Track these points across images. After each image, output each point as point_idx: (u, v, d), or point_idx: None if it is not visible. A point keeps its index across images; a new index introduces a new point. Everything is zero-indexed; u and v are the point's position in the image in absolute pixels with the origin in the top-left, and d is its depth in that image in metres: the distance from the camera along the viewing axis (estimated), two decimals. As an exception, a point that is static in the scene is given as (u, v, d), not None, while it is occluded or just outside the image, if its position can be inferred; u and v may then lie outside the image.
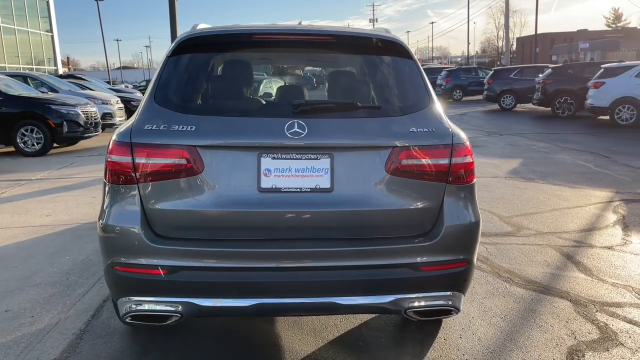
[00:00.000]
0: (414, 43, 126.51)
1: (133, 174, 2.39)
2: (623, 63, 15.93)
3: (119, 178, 2.42)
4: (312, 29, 2.74)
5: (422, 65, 2.42)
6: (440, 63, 73.79)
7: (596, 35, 66.74)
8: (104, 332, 3.17)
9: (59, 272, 4.11)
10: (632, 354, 2.89)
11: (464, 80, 27.40)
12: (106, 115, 14.00)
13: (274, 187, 2.37)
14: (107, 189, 2.48)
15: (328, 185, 2.38)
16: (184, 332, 3.15)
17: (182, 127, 2.38)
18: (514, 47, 78.18)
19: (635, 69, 14.18)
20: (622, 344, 2.99)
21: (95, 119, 11.81)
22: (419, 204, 2.43)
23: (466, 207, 2.51)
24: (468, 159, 2.49)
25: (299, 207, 2.38)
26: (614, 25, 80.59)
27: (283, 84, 2.70)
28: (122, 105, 15.13)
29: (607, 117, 14.57)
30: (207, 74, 2.71)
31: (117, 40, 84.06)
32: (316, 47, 2.69)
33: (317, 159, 2.39)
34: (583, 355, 2.88)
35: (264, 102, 2.60)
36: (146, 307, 2.42)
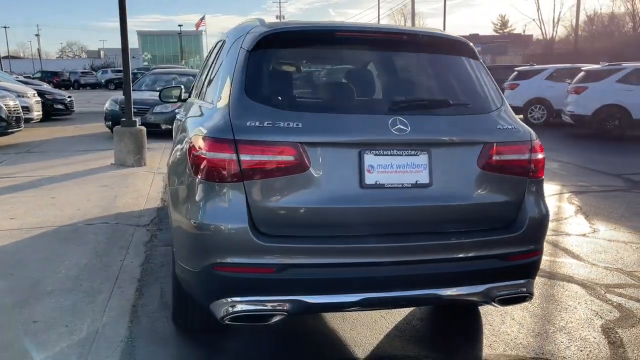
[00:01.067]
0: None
1: (238, 172, 2.33)
2: (535, 66, 17.31)
3: (220, 176, 2.34)
4: (393, 28, 2.83)
5: None
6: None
7: (486, 40, 71.48)
8: (156, 338, 3.03)
9: (68, 278, 3.83)
10: (634, 325, 3.25)
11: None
12: (23, 109, 12.96)
13: (377, 183, 2.41)
14: (199, 186, 2.40)
15: (427, 181, 2.46)
16: (243, 333, 3.09)
17: (288, 124, 2.36)
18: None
19: (545, 72, 15.51)
20: (643, 320, 3.35)
21: (17, 113, 10.91)
22: (505, 197, 2.58)
23: (541, 199, 2.70)
24: (542, 155, 2.68)
25: (401, 203, 2.44)
26: (501, 31, 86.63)
27: (371, 80, 2.73)
28: (39, 98, 14.04)
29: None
30: (297, 70, 2.69)
31: (5, 27, 76.55)
32: (395, 45, 2.76)
33: (416, 154, 2.46)
34: (616, 332, 3.19)
35: (361, 99, 2.62)
36: (251, 307, 2.37)
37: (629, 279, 4.03)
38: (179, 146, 2.91)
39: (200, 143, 2.42)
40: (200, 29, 78.56)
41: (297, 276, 2.34)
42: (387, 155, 2.43)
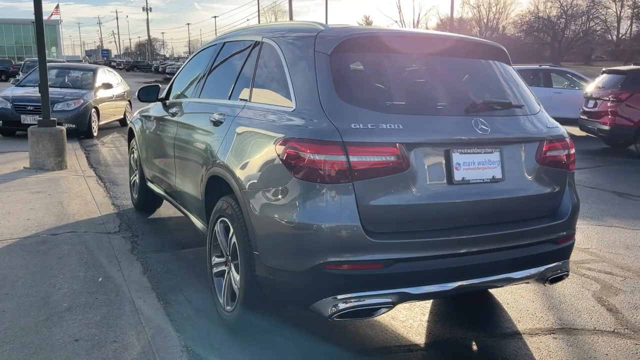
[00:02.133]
0: (196, 36, 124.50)
1: (348, 173, 2.41)
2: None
3: (331, 177, 2.41)
4: (456, 36, 3.06)
5: None
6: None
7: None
8: (214, 344, 2.99)
9: (76, 292, 3.55)
10: (633, 294, 3.84)
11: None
12: None
13: (463, 179, 2.63)
14: (306, 189, 2.44)
15: (500, 176, 2.73)
16: (312, 328, 3.14)
17: (390, 126, 2.49)
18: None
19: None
20: (621, 289, 3.94)
21: None
22: (555, 188, 2.93)
23: (575, 190, 3.10)
24: (574, 150, 3.08)
25: (483, 196, 2.68)
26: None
27: (445, 83, 2.91)
28: None
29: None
30: (377, 73, 2.79)
31: None
32: (458, 51, 2.98)
33: (491, 152, 2.72)
34: (606, 300, 3.73)
35: (442, 101, 2.79)
36: (360, 302, 2.46)
37: (591, 256, 4.66)
38: (248, 151, 2.85)
39: (305, 146, 2.45)
40: (54, 17, 72.38)
41: (402, 270, 2.48)
42: (470, 153, 2.66)
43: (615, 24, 61.24)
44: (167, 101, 4.72)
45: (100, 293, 3.56)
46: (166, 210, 5.74)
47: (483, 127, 2.67)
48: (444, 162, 2.60)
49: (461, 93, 2.83)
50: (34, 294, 3.51)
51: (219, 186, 3.23)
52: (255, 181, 2.71)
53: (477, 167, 2.67)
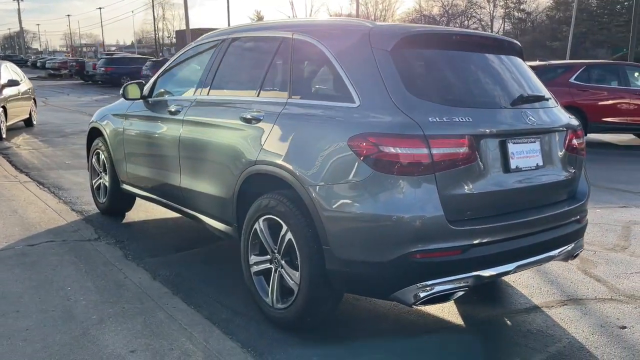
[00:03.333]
0: (74, 29, 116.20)
1: (430, 164, 2.52)
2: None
3: (414, 170, 2.51)
4: (485, 34, 3.25)
5: None
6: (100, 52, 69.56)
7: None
8: (272, 343, 2.97)
9: (99, 303, 3.33)
10: (608, 265, 4.33)
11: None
12: None
13: (517, 167, 2.85)
14: (390, 182, 2.52)
15: (542, 163, 2.99)
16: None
17: (462, 119, 2.63)
18: (175, 40, 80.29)
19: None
20: (597, 262, 4.42)
21: None
22: (577, 172, 3.25)
23: (586, 174, 3.45)
24: (584, 139, 3.43)
25: (531, 182, 2.92)
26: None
27: (491, 78, 3.09)
28: None
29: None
30: (434, 69, 2.91)
31: None
32: (487, 47, 3.18)
33: (534, 141, 2.97)
34: (590, 272, 4.18)
35: (495, 94, 2.96)
36: (442, 287, 2.59)
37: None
38: (310, 148, 2.84)
39: (386, 141, 2.52)
40: None
41: (476, 254, 2.64)
42: (521, 143, 2.88)
43: (490, 23, 66.57)
44: (151, 99, 4.50)
45: (123, 302, 3.37)
46: (136, 213, 5.47)
47: (531, 118, 2.91)
48: (501, 152, 2.80)
49: (507, 87, 3.04)
50: (51, 309, 3.24)
51: (259, 184, 3.18)
52: (325, 177, 2.72)
53: (525, 155, 2.90)
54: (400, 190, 2.53)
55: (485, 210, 2.75)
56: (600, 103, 10.91)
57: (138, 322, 3.10)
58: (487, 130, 2.73)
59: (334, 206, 2.69)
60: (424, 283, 2.57)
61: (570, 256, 3.25)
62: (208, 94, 3.84)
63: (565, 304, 3.60)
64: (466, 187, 2.64)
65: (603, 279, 4.04)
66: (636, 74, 11.48)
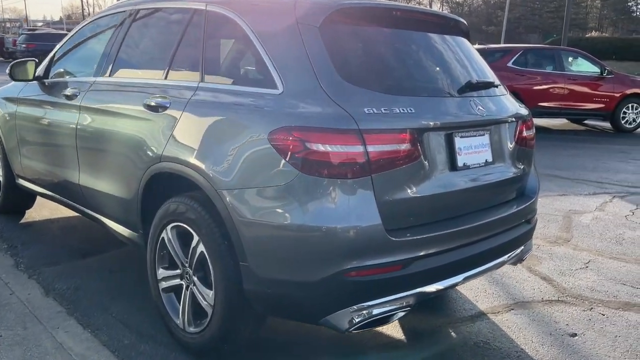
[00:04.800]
0: None
1: (366, 165, 2.11)
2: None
3: (347, 171, 2.09)
4: (429, 10, 2.84)
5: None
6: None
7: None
8: None
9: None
10: (552, 260, 4.11)
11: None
12: None
13: (464, 164, 2.48)
14: (318, 186, 2.09)
15: (491, 159, 2.64)
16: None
17: (403, 110, 2.23)
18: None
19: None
20: (541, 257, 4.19)
21: None
22: (525, 167, 2.93)
23: (536, 167, 3.15)
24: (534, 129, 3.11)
25: (480, 181, 2.57)
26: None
27: (435, 62, 2.66)
28: None
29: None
30: (378, 50, 2.48)
31: None
32: (431, 26, 2.77)
33: (483, 134, 2.61)
34: (535, 269, 3.94)
35: (441, 81, 2.55)
36: (380, 310, 2.20)
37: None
38: (223, 143, 2.36)
39: (313, 136, 2.07)
40: None
41: (419, 268, 2.26)
42: (469, 137, 2.51)
43: (428, 7, 67.27)
44: (47, 80, 3.85)
45: (1, 329, 2.79)
46: (39, 212, 4.80)
47: (480, 107, 2.55)
48: (447, 147, 2.42)
49: (453, 72, 2.65)
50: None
51: (167, 185, 2.67)
52: (242, 179, 2.26)
53: (474, 151, 2.54)
54: (331, 196, 2.09)
55: (430, 216, 2.37)
56: (536, 87, 10.92)
57: (15, 356, 2.54)
58: (432, 123, 2.34)
59: (252, 215, 2.23)
60: (359, 305, 2.16)
61: (519, 260, 2.95)
62: (110, 75, 3.26)
63: (512, 309, 3.32)
64: (408, 191, 2.25)
65: (548, 277, 3.80)
66: (570, 59, 11.59)
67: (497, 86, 2.83)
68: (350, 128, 2.09)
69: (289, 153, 2.12)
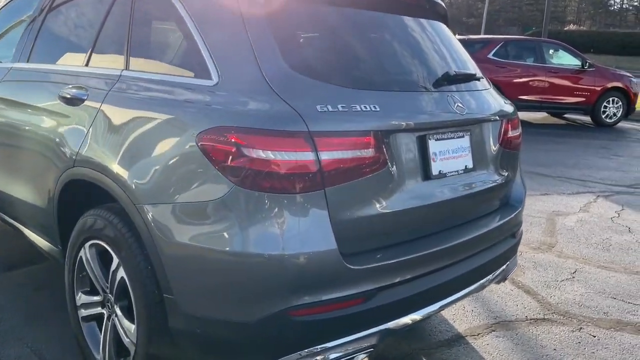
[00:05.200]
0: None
1: (318, 176, 1.68)
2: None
3: (296, 184, 1.66)
4: None
5: None
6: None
7: None
8: None
9: None
10: (536, 270, 3.76)
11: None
12: None
13: (440, 172, 2.08)
14: (254, 201, 1.67)
15: (472, 165, 2.24)
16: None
17: (365, 107, 1.81)
18: None
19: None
20: (524, 266, 3.84)
21: None
22: (510, 173, 2.54)
23: (521, 172, 2.76)
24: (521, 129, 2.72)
25: (458, 192, 2.17)
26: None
27: (403, 51, 2.23)
28: None
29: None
30: (337, 34, 2.04)
31: None
32: (403, 7, 2.32)
33: (462, 136, 2.21)
34: (519, 281, 3.58)
35: (412, 72, 2.13)
36: (337, 354, 1.79)
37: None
38: (145, 145, 1.92)
39: (252, 139, 1.64)
40: None
41: (385, 300, 1.85)
42: (445, 139, 2.11)
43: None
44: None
45: None
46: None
47: (459, 105, 2.14)
48: (419, 152, 2.01)
49: (428, 62, 2.23)
50: None
51: (86, 194, 2.22)
52: (167, 192, 1.82)
53: (451, 156, 2.13)
54: (274, 216, 1.67)
55: (398, 235, 1.96)
56: (517, 80, 10.61)
57: None
58: (401, 123, 1.92)
59: (177, 236, 1.79)
60: (311, 350, 1.75)
61: (503, 279, 2.56)
62: (27, 61, 2.78)
63: (494, 330, 2.94)
64: (371, 206, 1.83)
65: (533, 291, 3.44)
66: (551, 51, 11.29)
67: (479, 79, 2.43)
68: (298, 130, 1.66)
69: (222, 161, 1.69)
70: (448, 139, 2.11)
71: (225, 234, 1.69)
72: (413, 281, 1.94)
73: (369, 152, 1.79)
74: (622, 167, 7.36)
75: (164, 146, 1.85)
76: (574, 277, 3.69)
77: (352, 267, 1.74)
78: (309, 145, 1.66)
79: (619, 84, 10.95)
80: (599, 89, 10.85)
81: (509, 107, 2.54)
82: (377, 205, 1.84)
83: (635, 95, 11.12)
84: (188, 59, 1.99)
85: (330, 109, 1.73)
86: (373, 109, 1.81)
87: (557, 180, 6.46)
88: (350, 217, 1.77)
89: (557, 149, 8.53)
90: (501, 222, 2.37)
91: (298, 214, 1.67)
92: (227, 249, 1.69)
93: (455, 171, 2.14)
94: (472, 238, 2.18)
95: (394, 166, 1.89)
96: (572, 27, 51.11)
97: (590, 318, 3.12)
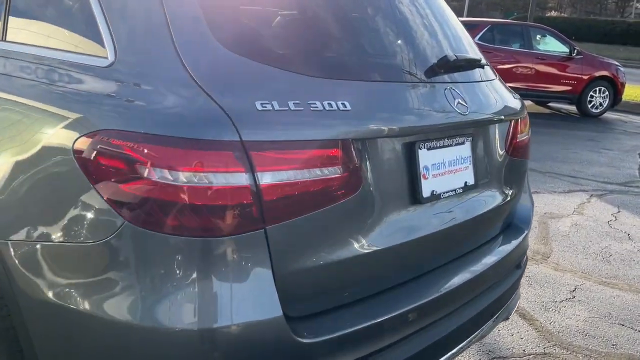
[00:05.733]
0: None
1: (254, 209, 1.12)
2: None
3: (219, 223, 1.09)
4: None
5: None
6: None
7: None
8: None
9: None
10: (531, 286, 3.28)
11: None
12: None
13: (433, 193, 1.53)
14: (156, 247, 1.10)
15: (472, 180, 1.70)
16: None
17: (330, 105, 1.24)
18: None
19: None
20: (519, 282, 3.35)
21: None
22: (519, 186, 2.02)
23: (529, 184, 2.23)
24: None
25: (457, 219, 1.63)
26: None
27: (385, 29, 1.65)
28: None
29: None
30: (290, 3, 1.45)
31: None
32: None
33: (462, 143, 1.66)
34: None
35: (400, 56, 1.56)
36: None
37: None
38: (23, 154, 1.32)
39: (154, 152, 1.07)
40: None
41: None
42: (440, 147, 1.56)
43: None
44: None
45: None
46: None
47: (461, 101, 1.58)
48: (406, 167, 1.45)
49: (417, 43, 1.66)
50: None
51: None
52: (32, 226, 1.24)
53: (447, 170, 1.59)
54: (186, 270, 1.10)
55: (373, 284, 1.41)
56: (502, 66, 10.11)
57: None
58: (383, 128, 1.36)
59: (43, 292, 1.21)
60: None
61: (506, 318, 2.05)
62: None
63: (487, 370, 2.45)
64: (336, 248, 1.28)
65: (529, 315, 2.95)
66: (539, 37, 10.81)
67: (483, 66, 1.87)
68: (225, 140, 1.09)
69: (107, 182, 1.11)
70: (444, 147, 1.57)
71: (113, 296, 1.12)
72: (393, 348, 1.40)
73: (334, 171, 1.23)
74: (613, 163, 6.94)
75: (31, 155, 1.26)
76: (574, 297, 3.22)
77: (304, 340, 1.19)
78: (241, 163, 1.09)
79: (607, 73, 10.54)
80: (586, 77, 10.42)
81: (517, 103, 2.01)
82: (345, 247, 1.29)
83: (623, 85, 10.72)
84: (78, 29, 1.39)
85: (277, 107, 1.16)
86: (341, 108, 1.25)
87: (547, 176, 6.00)
88: (303, 266, 1.22)
89: (544, 141, 8.08)
90: (506, 252, 1.85)
91: (224, 267, 1.11)
92: (117, 317, 1.12)
93: (452, 190, 1.60)
94: (469, 280, 1.64)
95: (370, 189, 1.34)
96: (553, 13, 50.84)
97: (598, 352, 2.64)
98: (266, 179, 1.11)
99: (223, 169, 1.08)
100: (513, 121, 1.90)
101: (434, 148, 1.52)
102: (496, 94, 1.84)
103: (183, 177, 1.07)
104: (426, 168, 1.50)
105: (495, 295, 1.82)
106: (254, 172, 1.10)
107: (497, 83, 1.95)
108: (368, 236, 1.33)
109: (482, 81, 1.80)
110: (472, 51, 1.88)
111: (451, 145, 1.60)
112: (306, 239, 1.20)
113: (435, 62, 1.58)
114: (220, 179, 1.08)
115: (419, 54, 1.64)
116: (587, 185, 5.75)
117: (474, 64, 1.76)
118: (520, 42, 10.44)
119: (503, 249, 1.85)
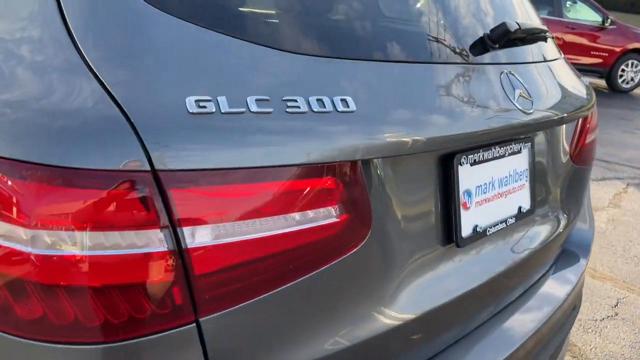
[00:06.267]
0: None
1: (178, 291, 0.63)
2: None
3: (121, 317, 0.61)
4: None
5: None
6: None
7: None
8: None
9: None
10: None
11: None
12: None
13: (476, 230, 1.03)
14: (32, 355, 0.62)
15: (529, 204, 1.20)
16: None
17: (320, 102, 0.74)
18: None
19: None
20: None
21: None
22: (580, 203, 1.51)
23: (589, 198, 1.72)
24: None
25: (508, 262, 1.13)
26: None
27: None
28: None
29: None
30: None
31: None
32: None
33: (518, 151, 1.15)
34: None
35: (422, 23, 1.03)
36: None
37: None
38: None
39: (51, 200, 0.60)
40: None
41: None
42: (488, 160, 1.05)
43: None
44: None
45: None
46: None
47: (522, 93, 1.07)
48: (439, 193, 0.95)
49: (452, 6, 1.11)
50: None
51: None
52: None
53: (497, 192, 1.09)
54: None
55: None
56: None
57: None
58: (406, 139, 0.85)
59: None
60: None
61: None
62: None
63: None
64: (321, 343, 0.79)
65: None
66: (569, 4, 10.03)
67: (546, 38, 1.33)
68: (118, 168, 0.59)
69: None
70: (493, 159, 1.06)
71: None
72: None
73: (326, 215, 0.73)
74: (648, 145, 6.37)
75: None
76: (616, 314, 2.74)
77: None
78: (152, 212, 0.60)
79: (640, 45, 9.80)
80: (618, 49, 9.68)
81: (587, 90, 1.48)
82: (336, 335, 0.81)
83: (657, 59, 9.99)
84: None
85: (226, 107, 0.66)
86: (341, 108, 0.75)
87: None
88: None
89: (571, 118, 7.50)
90: (564, 296, 1.35)
91: None
92: None
93: (502, 222, 1.10)
94: (522, 345, 1.16)
95: (382, 237, 0.84)
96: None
97: (651, 393, 2.18)
98: (199, 237, 0.63)
99: (117, 223, 0.59)
100: (581, 118, 1.38)
101: (480, 162, 1.02)
102: (564, 80, 1.32)
103: (47, 236, 0.58)
104: (468, 193, 1.00)
105: (550, 351, 1.35)
106: (174, 227, 0.61)
107: (563, 63, 1.42)
108: (373, 316, 0.84)
109: (546, 61, 1.27)
110: (535, 17, 1.34)
111: (504, 156, 1.09)
112: (271, 332, 0.72)
113: (488, 32, 1.05)
114: (113, 241, 0.59)
115: (460, 20, 1.11)
116: (622, 172, 5.20)
117: (538, 36, 1.23)
118: (549, 9, 9.67)
119: (560, 292, 1.36)
